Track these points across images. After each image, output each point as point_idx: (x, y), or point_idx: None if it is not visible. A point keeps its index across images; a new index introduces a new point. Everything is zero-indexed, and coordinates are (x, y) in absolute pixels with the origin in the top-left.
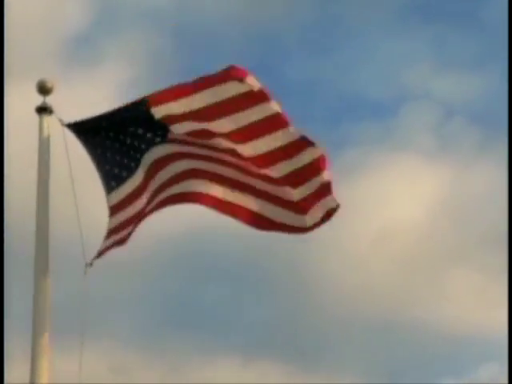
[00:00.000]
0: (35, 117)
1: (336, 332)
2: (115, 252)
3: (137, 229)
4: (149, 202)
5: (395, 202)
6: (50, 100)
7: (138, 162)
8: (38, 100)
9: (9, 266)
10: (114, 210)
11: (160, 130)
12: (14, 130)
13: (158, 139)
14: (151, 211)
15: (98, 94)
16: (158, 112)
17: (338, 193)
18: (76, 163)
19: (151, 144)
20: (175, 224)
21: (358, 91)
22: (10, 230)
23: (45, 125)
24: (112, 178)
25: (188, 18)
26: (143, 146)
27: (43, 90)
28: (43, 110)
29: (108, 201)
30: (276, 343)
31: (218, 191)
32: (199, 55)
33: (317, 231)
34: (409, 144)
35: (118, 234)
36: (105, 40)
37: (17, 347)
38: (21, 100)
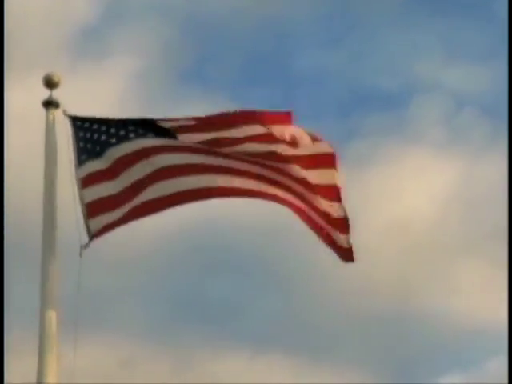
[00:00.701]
0: (43, 109)
1: (344, 325)
2: (125, 246)
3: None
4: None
5: (405, 194)
6: (56, 93)
7: (118, 141)
8: (46, 93)
9: (15, 260)
10: (84, 182)
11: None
12: (22, 122)
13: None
14: (158, 208)
15: (107, 87)
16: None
17: (347, 185)
18: None
19: (139, 136)
20: (184, 217)
21: (368, 83)
22: (17, 223)
23: (51, 118)
24: (82, 153)
25: (197, 10)
26: (131, 135)
27: (50, 83)
28: (49, 103)
29: (77, 174)
30: (284, 336)
31: (251, 184)
32: (208, 47)
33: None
34: (419, 136)
35: (108, 212)
36: (113, 32)
37: (25, 343)
38: (29, 93)
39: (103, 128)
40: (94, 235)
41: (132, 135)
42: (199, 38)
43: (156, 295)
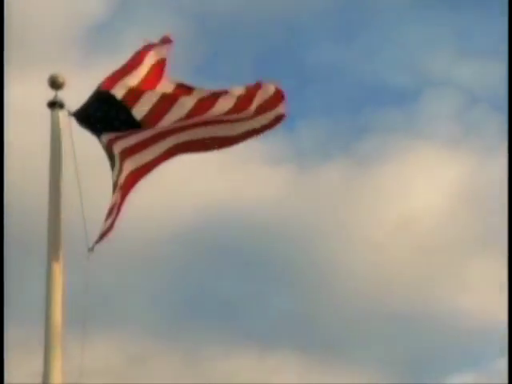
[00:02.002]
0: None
1: (354, 322)
2: (135, 245)
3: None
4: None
5: (416, 190)
6: (65, 91)
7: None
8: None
9: (22, 259)
10: (128, 152)
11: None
12: (32, 118)
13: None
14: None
15: None
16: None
17: (357, 181)
18: (86, 157)
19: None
20: (195, 216)
21: (379, 78)
22: (22, 223)
23: (56, 119)
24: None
25: (207, 5)
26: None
27: (55, 84)
28: (54, 104)
29: (103, 140)
30: (294, 334)
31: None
32: (219, 42)
33: (338, 220)
34: (430, 131)
35: (110, 216)
36: (123, 28)
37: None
38: (41, 88)
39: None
40: (102, 236)
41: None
42: (210, 34)
43: (166, 293)
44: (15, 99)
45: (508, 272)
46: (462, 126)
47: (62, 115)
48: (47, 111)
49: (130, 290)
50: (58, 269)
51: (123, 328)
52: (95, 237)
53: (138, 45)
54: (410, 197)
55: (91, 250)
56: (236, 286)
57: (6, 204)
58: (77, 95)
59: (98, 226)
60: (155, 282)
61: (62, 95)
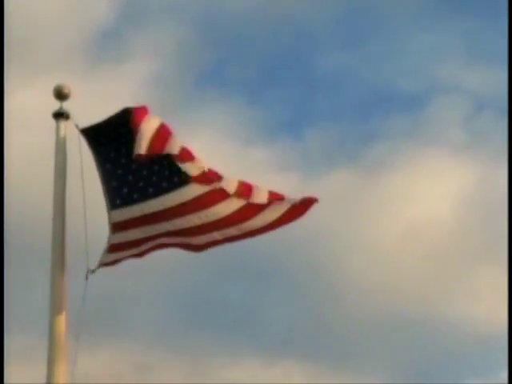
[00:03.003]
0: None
1: (361, 331)
2: None
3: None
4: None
5: (423, 198)
6: (71, 100)
7: (157, 192)
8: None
9: (28, 266)
10: (117, 227)
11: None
12: (41, 123)
13: (177, 179)
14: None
15: (124, 89)
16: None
17: (365, 189)
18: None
19: (172, 186)
20: None
21: (387, 84)
22: (25, 233)
23: (61, 130)
24: (117, 196)
25: (214, 11)
26: (164, 185)
27: (60, 95)
28: (60, 115)
29: (110, 217)
30: (300, 342)
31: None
32: (226, 48)
33: (345, 228)
34: (438, 138)
35: (125, 251)
36: (130, 35)
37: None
38: (46, 96)
39: (136, 169)
40: (103, 265)
41: (165, 184)
42: (216, 40)
43: (171, 301)
44: (20, 107)
45: (508, 275)
46: (470, 132)
47: (68, 126)
48: (52, 120)
49: (135, 298)
50: (61, 279)
51: (129, 336)
52: (97, 249)
53: (146, 52)
54: (418, 204)
55: (92, 272)
56: (243, 294)
57: (10, 212)
58: (83, 104)
59: (101, 238)
60: (161, 290)
61: (68, 105)
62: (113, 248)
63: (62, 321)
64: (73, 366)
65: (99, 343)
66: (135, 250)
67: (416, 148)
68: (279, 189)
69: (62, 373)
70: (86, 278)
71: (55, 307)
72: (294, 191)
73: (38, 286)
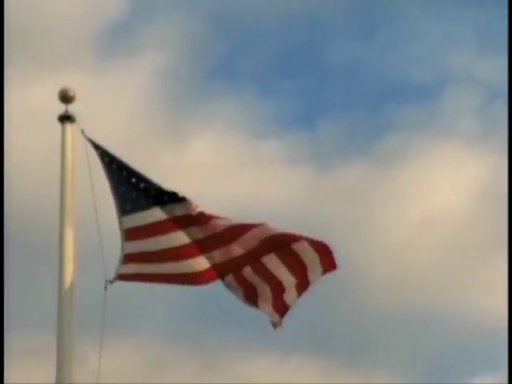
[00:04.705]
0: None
1: (375, 325)
2: None
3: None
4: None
5: (437, 189)
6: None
7: (155, 201)
8: (76, 87)
9: (35, 269)
10: (130, 235)
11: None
12: (49, 121)
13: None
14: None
15: (135, 83)
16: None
17: (377, 180)
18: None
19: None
20: None
21: (400, 75)
22: (32, 233)
23: (67, 133)
24: (127, 201)
25: (225, 3)
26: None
27: (65, 98)
28: (65, 118)
29: (122, 223)
30: (313, 338)
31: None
32: (237, 41)
33: (358, 221)
34: (451, 128)
35: (137, 264)
36: (141, 29)
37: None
38: (58, 89)
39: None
40: (120, 277)
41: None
42: (228, 32)
43: (183, 298)
44: (26, 102)
45: (508, 273)
46: (484, 122)
47: (74, 129)
48: (57, 122)
49: (147, 295)
50: (69, 277)
51: (141, 333)
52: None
53: (157, 45)
54: (432, 196)
55: (110, 283)
56: None
57: (22, 211)
58: (93, 97)
59: (112, 241)
60: (173, 288)
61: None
62: (128, 258)
63: (71, 319)
64: (95, 364)
65: (111, 340)
66: (146, 268)
67: (429, 139)
68: (292, 182)
69: (71, 372)
70: (105, 288)
71: (64, 305)
72: (306, 184)
73: (45, 284)
